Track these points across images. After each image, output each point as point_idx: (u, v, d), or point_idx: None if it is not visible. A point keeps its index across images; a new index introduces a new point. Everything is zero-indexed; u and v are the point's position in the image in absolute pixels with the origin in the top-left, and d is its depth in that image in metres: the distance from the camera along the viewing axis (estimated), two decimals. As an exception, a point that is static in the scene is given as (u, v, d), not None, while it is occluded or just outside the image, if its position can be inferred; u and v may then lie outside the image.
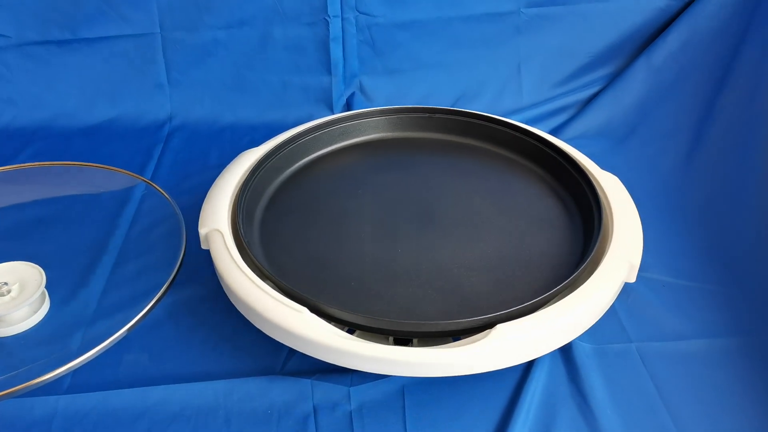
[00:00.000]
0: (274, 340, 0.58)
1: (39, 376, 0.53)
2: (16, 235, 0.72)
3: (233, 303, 0.57)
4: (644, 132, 0.90)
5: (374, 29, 0.94)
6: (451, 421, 0.54)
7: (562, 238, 0.64)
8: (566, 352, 0.59)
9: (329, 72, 0.95)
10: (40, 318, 0.63)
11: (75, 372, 0.58)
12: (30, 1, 0.91)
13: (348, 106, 0.95)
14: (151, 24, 0.93)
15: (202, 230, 0.62)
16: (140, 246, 0.71)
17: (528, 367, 0.57)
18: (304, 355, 0.58)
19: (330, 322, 0.53)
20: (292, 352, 0.60)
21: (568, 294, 0.54)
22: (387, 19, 0.94)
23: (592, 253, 0.58)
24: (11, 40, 0.93)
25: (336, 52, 0.95)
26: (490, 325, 0.52)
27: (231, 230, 0.62)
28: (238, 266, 0.57)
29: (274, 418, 0.54)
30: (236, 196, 0.66)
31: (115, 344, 0.58)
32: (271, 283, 0.56)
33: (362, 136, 0.79)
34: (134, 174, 0.76)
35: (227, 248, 0.59)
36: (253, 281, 0.55)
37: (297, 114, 0.95)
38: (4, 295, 0.62)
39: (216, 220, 0.63)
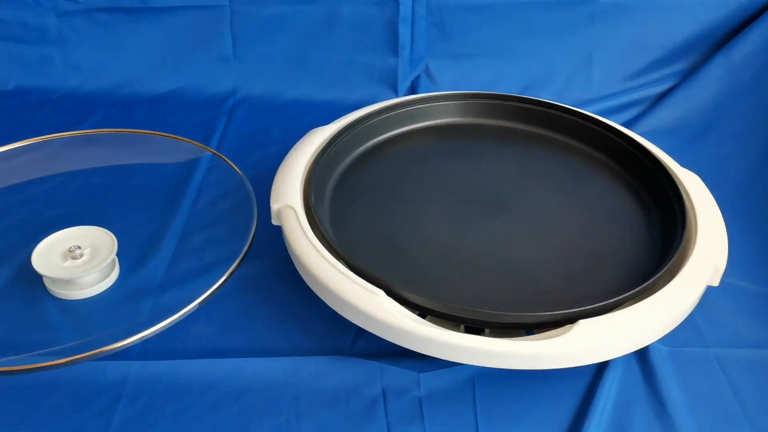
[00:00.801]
0: (340, 319, 0.57)
1: (112, 342, 0.53)
2: (84, 200, 0.73)
3: (306, 281, 0.56)
4: (719, 131, 0.87)
5: (444, 12, 0.93)
6: (522, 416, 0.53)
7: (638, 236, 0.62)
8: (641, 353, 0.57)
9: (396, 53, 0.94)
10: (110, 284, 0.64)
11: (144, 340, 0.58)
12: (101, -33, 0.91)
13: (413, 89, 0.94)
14: (220, -5, 0.93)
15: (275, 205, 0.62)
16: (207, 217, 0.71)
17: (601, 366, 0.56)
18: (373, 337, 0.58)
19: (404, 306, 0.52)
20: (360, 333, 0.59)
21: (652, 293, 0.52)
22: (458, 1, 0.92)
23: (677, 253, 0.56)
24: (80, 5, 0.93)
25: (404, 33, 0.93)
26: (571, 320, 0.50)
27: (303, 207, 0.61)
28: (313, 244, 0.56)
29: (343, 398, 0.54)
30: (308, 174, 0.65)
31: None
32: (344, 262, 0.55)
33: (431, 120, 0.77)
34: (202, 144, 0.76)
35: (300, 225, 0.58)
36: (328, 261, 0.54)
37: (360, 94, 0.94)
38: (76, 259, 0.63)
39: (288, 196, 0.62)
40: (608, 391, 0.54)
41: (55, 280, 0.62)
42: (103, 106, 0.93)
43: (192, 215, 0.71)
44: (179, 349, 0.58)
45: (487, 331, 0.54)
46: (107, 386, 0.54)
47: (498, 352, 0.48)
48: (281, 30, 0.94)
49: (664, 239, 0.61)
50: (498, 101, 0.77)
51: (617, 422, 0.52)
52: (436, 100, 0.77)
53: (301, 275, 0.57)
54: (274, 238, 0.68)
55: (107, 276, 0.64)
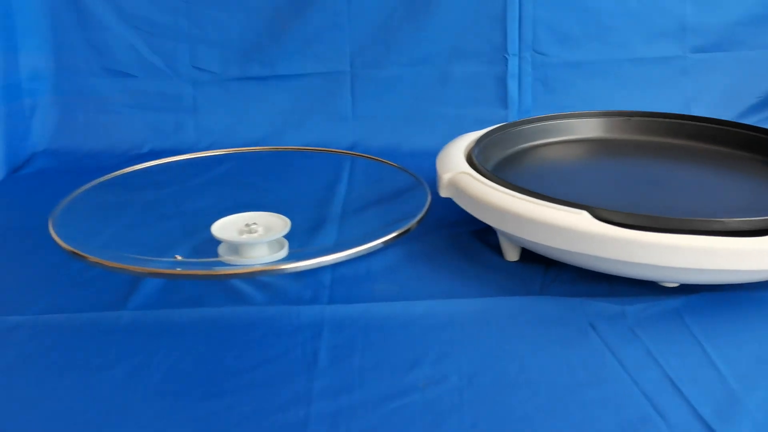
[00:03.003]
0: (523, 276, 0.58)
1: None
2: (256, 195, 0.76)
3: (496, 224, 0.57)
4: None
5: (548, 68, 1.01)
6: (741, 335, 0.51)
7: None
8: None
9: (505, 106, 1.01)
10: (284, 255, 0.65)
11: (332, 293, 0.58)
12: (237, 40, 1.02)
13: (523, 137, 1.00)
14: (341, 62, 1.02)
15: (446, 175, 0.64)
16: (363, 203, 0.74)
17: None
18: (559, 283, 0.58)
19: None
20: (545, 284, 0.59)
21: None
22: (560, 59, 1.01)
23: None
24: (217, 76, 1.03)
25: (512, 87, 1.01)
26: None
27: (475, 172, 0.63)
28: (499, 190, 0.58)
29: (551, 326, 0.52)
30: (467, 155, 0.69)
31: (361, 279, 0.59)
32: (538, 197, 0.56)
33: (567, 135, 0.81)
34: (346, 151, 0.81)
35: (480, 180, 0.61)
36: (521, 198, 0.56)
37: (473, 144, 1.00)
38: (252, 233, 0.65)
39: (457, 167, 0.65)
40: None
41: (229, 247, 0.63)
42: (231, 160, 0.98)
43: (349, 204, 0.74)
44: (368, 298, 0.58)
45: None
46: (305, 325, 0.53)
47: (733, 249, 0.48)
48: (397, 90, 1.02)
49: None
50: (625, 117, 0.82)
51: None
52: (572, 117, 0.82)
53: (489, 221, 0.58)
54: (432, 225, 0.70)
55: (278, 251, 0.64)
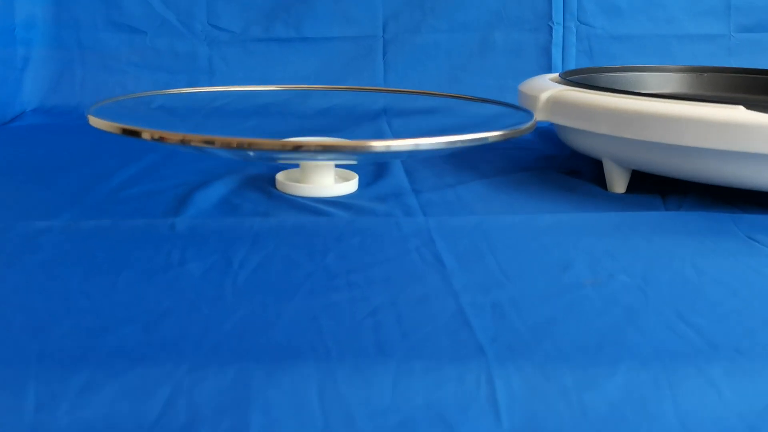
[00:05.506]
0: (642, 203, 0.51)
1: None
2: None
3: (632, 132, 0.49)
4: None
5: (593, 40, 0.96)
6: None
7: None
8: None
9: (548, 77, 0.95)
10: (351, 190, 0.55)
11: (426, 212, 0.49)
12: (261, -1, 0.94)
13: (569, 108, 0.93)
14: (374, 27, 0.95)
15: (544, 94, 0.56)
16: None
17: None
18: (689, 206, 0.50)
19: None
20: (669, 209, 0.51)
21: None
22: (605, 31, 0.96)
23: None
24: (236, 36, 0.94)
25: (556, 57, 0.95)
26: None
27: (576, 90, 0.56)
28: (631, 98, 0.50)
29: (707, 235, 0.44)
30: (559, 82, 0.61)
31: (452, 204, 0.51)
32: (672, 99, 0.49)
33: (635, 89, 0.75)
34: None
35: (598, 93, 0.53)
36: (662, 102, 0.48)
37: (515, 115, 0.93)
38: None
39: (552, 89, 0.57)
40: None
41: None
42: (253, 117, 0.88)
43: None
44: (474, 214, 0.48)
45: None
46: (410, 234, 0.44)
47: None
48: (433, 57, 0.95)
49: None
50: (697, 73, 0.77)
51: None
52: (645, 71, 0.76)
53: (617, 132, 0.50)
54: (508, 167, 0.62)
55: (345, 182, 0.55)
